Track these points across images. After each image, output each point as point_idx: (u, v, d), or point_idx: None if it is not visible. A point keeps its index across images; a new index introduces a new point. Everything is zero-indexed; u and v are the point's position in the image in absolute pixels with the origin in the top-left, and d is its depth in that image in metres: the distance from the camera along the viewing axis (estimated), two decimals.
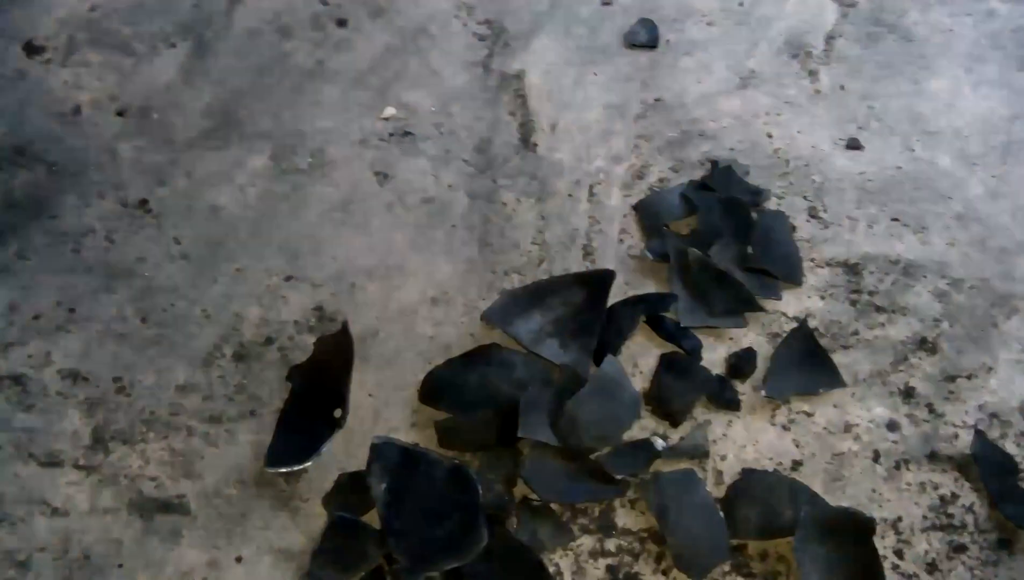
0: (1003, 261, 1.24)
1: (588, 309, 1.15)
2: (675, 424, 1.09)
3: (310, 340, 1.14)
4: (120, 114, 1.37)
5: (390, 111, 1.37)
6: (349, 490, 1.04)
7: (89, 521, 1.03)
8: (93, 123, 1.36)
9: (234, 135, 1.35)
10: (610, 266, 1.21)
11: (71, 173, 1.31)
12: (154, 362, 1.14)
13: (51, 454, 1.07)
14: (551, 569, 0.98)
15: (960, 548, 1.00)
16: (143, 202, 1.28)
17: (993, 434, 1.08)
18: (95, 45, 1.45)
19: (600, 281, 1.16)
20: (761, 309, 1.16)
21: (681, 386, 1.11)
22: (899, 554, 1.00)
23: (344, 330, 1.10)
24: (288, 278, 1.21)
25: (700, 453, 1.07)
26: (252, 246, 1.23)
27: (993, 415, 1.10)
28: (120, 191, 1.29)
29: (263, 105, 1.38)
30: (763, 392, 1.10)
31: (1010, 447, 1.07)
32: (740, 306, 1.17)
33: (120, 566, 1.00)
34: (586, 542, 1.00)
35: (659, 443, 1.06)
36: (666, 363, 1.13)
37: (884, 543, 1.00)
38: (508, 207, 1.28)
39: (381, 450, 1.00)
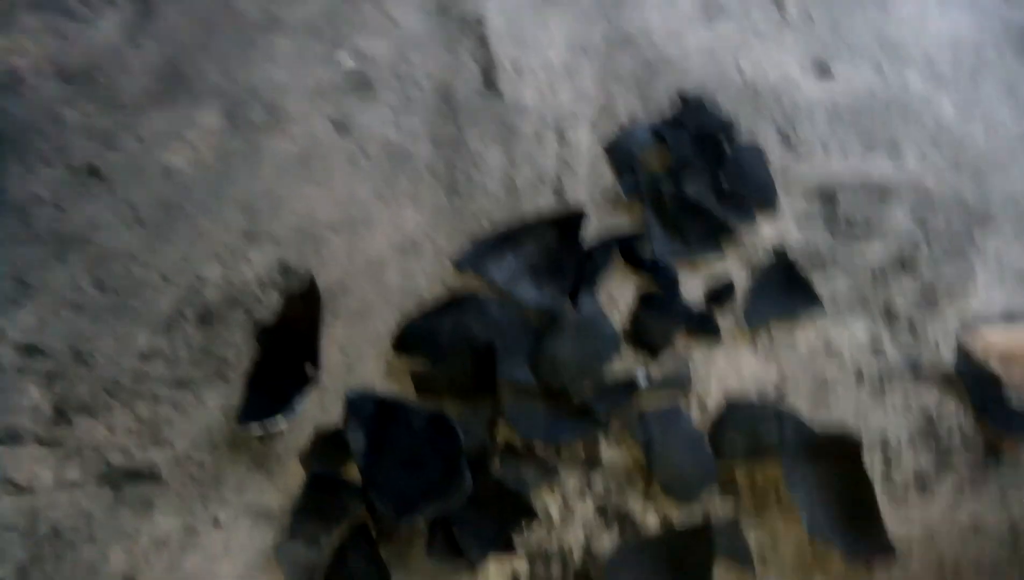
0: (977, 179, 1.23)
1: (562, 249, 1.12)
2: (656, 358, 1.07)
3: (276, 298, 1.10)
4: (63, 78, 1.31)
5: (347, 60, 1.32)
6: (326, 446, 1.00)
7: (56, 496, 0.98)
8: (35, 89, 1.30)
9: (184, 94, 1.29)
10: (582, 205, 1.18)
11: (14, 141, 1.24)
12: (113, 330, 1.09)
13: (11, 430, 1.02)
14: (538, 509, 0.96)
15: (948, 462, 0.99)
16: (92, 167, 1.22)
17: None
18: (34, 9, 1.38)
19: (572, 220, 1.13)
20: (737, 238, 1.14)
21: (660, 320, 1.08)
22: (887, 473, 0.99)
23: (311, 285, 1.06)
24: (249, 237, 1.16)
25: (683, 385, 1.05)
26: (209, 206, 1.19)
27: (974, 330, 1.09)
28: (67, 157, 1.23)
29: (212, 61, 1.32)
30: (743, 319, 1.08)
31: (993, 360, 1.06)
32: (716, 237, 1.14)
33: (92, 539, 0.96)
34: (572, 481, 0.98)
35: (641, 378, 1.04)
36: (644, 298, 1.11)
37: (872, 462, 0.99)
38: (474, 152, 1.24)
39: (356, 404, 0.97)
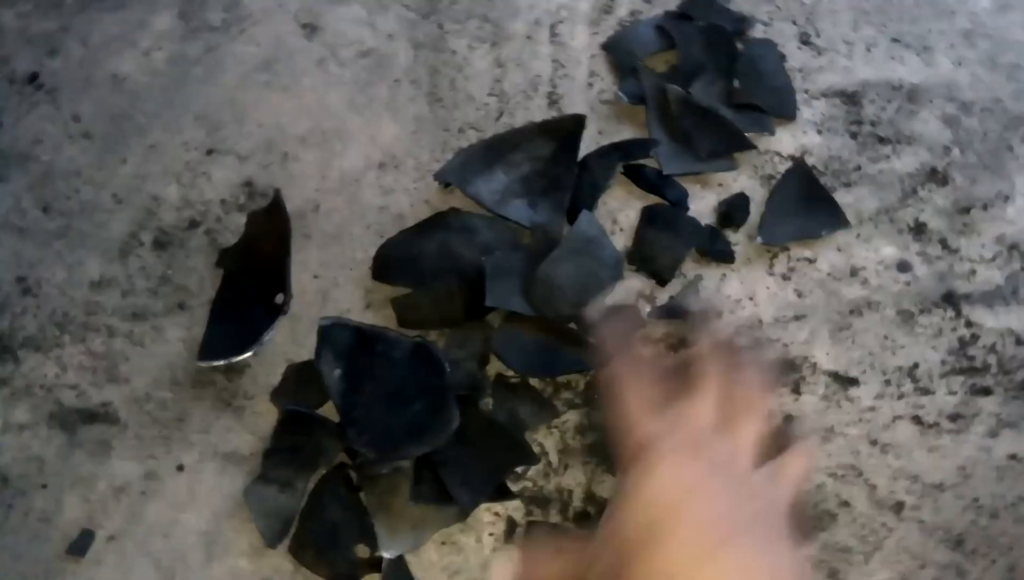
0: (1015, 79, 1.11)
1: (558, 162, 1.01)
2: (663, 283, 0.97)
3: (240, 220, 0.99)
4: None
5: None
6: (300, 382, 0.91)
7: (3, 440, 0.90)
8: None
9: None
10: (580, 113, 1.06)
11: None
12: (62, 257, 0.98)
13: None
14: (535, 449, 0.87)
15: (984, 391, 0.91)
16: (33, 76, 1.10)
17: (1013, 266, 0.98)
18: None
19: (569, 129, 1.01)
20: (752, 147, 1.03)
21: (667, 240, 0.98)
22: (918, 403, 0.90)
23: (276, 203, 0.95)
24: (209, 152, 1.04)
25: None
26: (164, 118, 1.06)
27: (1012, 246, 0.99)
28: (5, 66, 1.11)
29: None
30: (759, 239, 0.98)
31: None
32: (729, 146, 1.03)
33: (44, 486, 0.87)
34: (572, 418, 0.89)
35: (645, 307, 0.95)
36: (649, 216, 1.00)
37: (902, 390, 0.91)
38: (458, 55, 1.12)
39: (330, 333, 0.87)
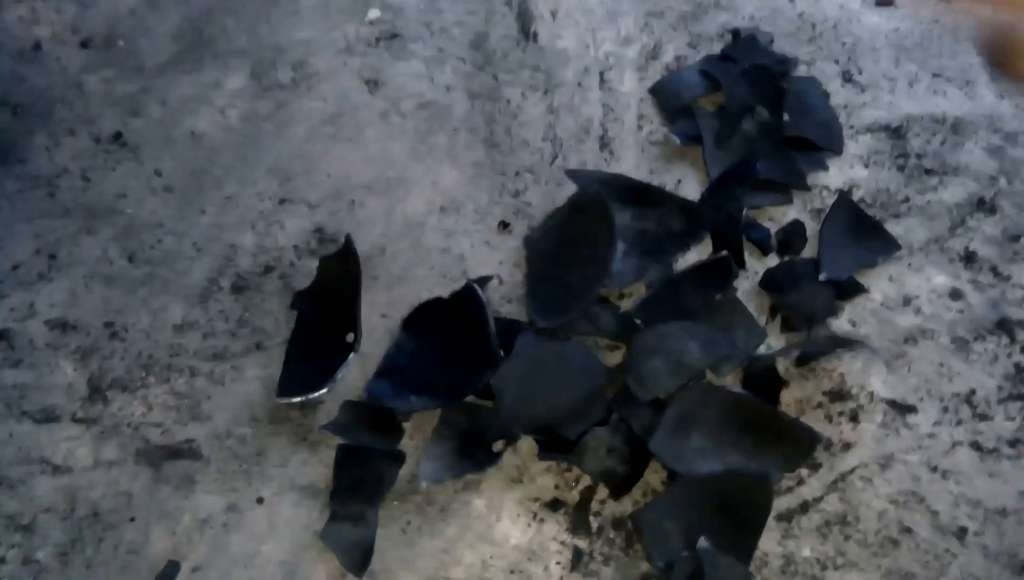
0: None
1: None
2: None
3: (312, 264, 1.05)
4: (84, 46, 1.26)
5: (374, 13, 1.25)
6: (353, 418, 0.95)
7: (94, 476, 0.95)
8: (56, 58, 1.25)
9: (207, 55, 1.23)
10: (631, 154, 1.10)
11: (37, 113, 1.20)
12: (147, 303, 1.05)
13: (46, 410, 0.99)
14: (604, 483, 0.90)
15: None
16: (117, 135, 1.17)
17: None
18: None
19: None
20: (806, 187, 1.05)
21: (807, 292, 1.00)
22: (977, 429, 0.91)
23: (347, 247, 1.00)
24: (282, 201, 1.11)
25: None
26: (239, 171, 1.13)
27: None
28: (91, 126, 1.19)
29: (235, 21, 1.26)
30: (823, 276, 1.00)
31: None
32: (784, 183, 1.06)
33: (132, 520, 0.92)
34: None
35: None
36: (772, 280, 1.01)
37: (960, 416, 0.92)
38: (513, 104, 1.17)
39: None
